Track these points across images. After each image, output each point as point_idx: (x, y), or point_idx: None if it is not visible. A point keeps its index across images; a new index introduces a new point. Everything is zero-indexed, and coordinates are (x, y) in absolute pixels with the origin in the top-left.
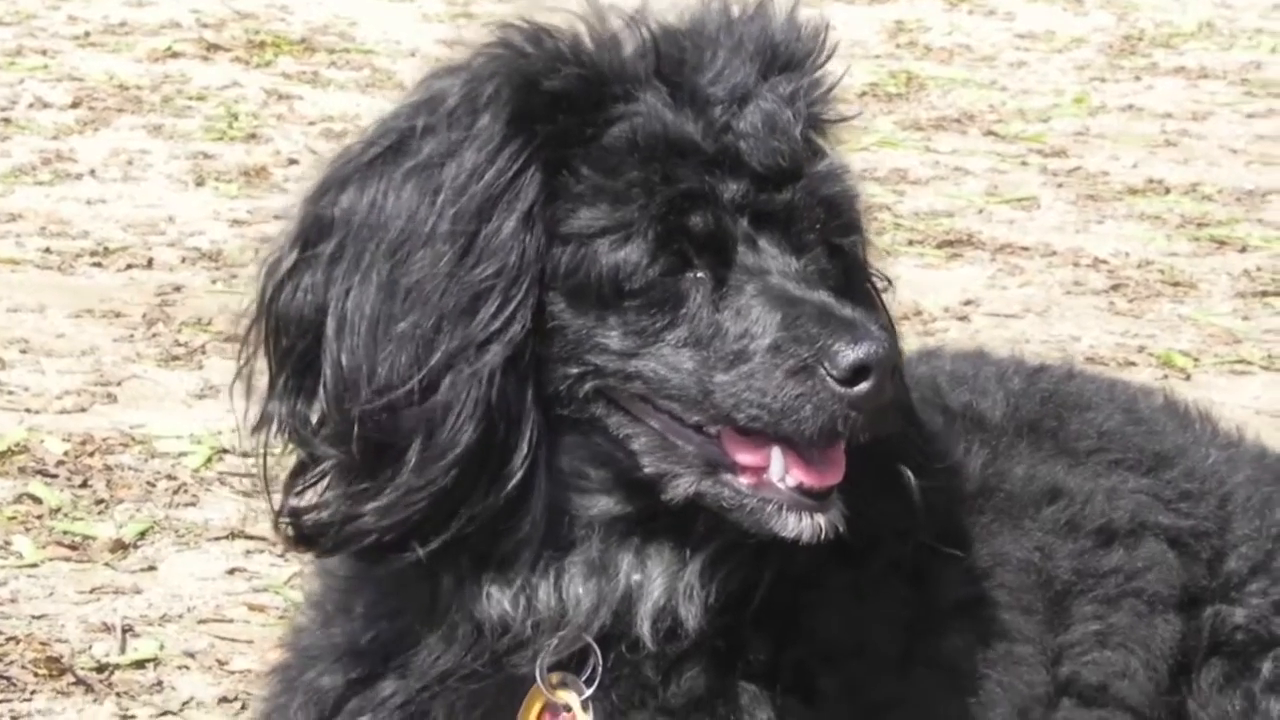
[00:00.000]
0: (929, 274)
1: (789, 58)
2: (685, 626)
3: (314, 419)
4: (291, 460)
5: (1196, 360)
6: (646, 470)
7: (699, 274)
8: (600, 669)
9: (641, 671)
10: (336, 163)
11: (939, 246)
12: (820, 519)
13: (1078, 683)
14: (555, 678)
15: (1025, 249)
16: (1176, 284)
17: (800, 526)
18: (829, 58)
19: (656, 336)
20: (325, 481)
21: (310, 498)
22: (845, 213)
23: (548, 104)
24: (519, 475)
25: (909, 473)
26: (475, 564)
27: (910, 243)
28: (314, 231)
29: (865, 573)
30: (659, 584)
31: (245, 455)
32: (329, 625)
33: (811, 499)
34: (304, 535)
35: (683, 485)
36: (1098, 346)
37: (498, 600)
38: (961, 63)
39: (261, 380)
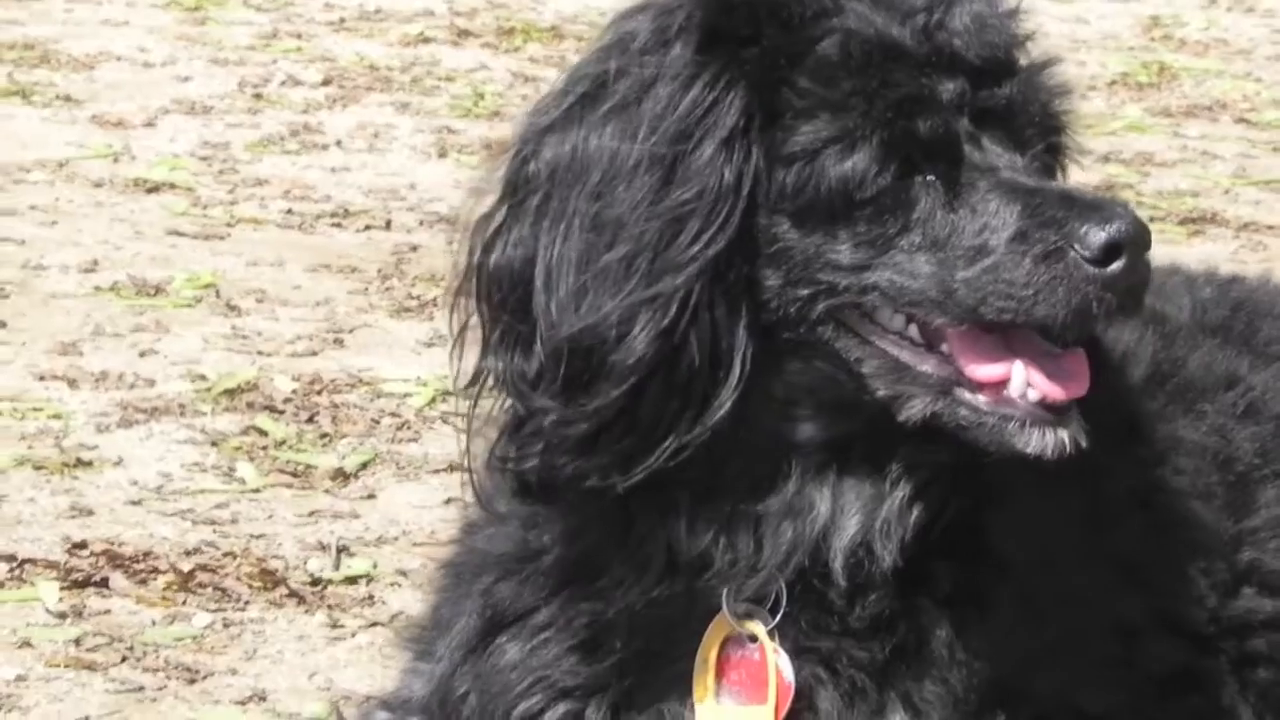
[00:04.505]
0: (1170, 250)
1: None
2: (881, 564)
3: (531, 373)
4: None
5: None
6: (879, 393)
7: (928, 177)
8: (785, 600)
9: (828, 597)
10: (533, 116)
11: (1181, 223)
12: (1063, 434)
13: (1260, 569)
14: (740, 608)
15: (1270, 227)
16: None
17: (1044, 443)
18: None
19: (890, 244)
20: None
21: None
22: (1062, 108)
23: (747, 24)
24: (728, 405)
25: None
26: (688, 498)
27: (1152, 219)
28: (519, 186)
29: (1044, 478)
30: (855, 521)
31: (457, 403)
32: (507, 526)
33: (1053, 413)
34: (525, 483)
35: (918, 406)
36: None
37: (699, 535)
38: (1216, 55)
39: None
